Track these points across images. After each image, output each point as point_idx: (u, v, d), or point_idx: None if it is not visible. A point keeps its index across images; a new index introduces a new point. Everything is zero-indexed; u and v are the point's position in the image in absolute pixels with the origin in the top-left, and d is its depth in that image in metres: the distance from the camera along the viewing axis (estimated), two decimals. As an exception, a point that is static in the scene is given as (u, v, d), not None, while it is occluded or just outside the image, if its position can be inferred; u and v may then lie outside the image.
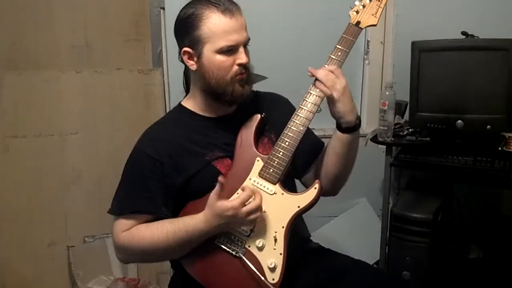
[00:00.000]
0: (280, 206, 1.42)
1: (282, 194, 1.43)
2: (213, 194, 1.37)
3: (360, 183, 2.61)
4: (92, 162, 2.58)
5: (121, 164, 1.53)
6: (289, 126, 1.44)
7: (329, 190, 1.57)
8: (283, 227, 1.41)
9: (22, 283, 2.54)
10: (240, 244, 1.42)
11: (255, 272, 1.39)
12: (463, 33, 2.35)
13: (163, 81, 2.63)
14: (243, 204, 1.36)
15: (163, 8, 2.54)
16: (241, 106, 1.55)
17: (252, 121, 1.54)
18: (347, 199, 2.84)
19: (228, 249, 1.43)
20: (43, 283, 2.57)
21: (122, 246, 1.48)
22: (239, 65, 1.45)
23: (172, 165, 1.47)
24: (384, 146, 2.44)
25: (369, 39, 2.78)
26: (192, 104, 1.57)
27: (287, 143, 1.43)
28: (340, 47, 1.44)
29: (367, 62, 2.82)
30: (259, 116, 1.54)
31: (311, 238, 1.72)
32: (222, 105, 1.53)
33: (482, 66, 2.24)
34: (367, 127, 2.79)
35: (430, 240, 2.28)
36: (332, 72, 1.42)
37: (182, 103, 1.60)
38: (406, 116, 2.53)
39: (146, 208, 1.48)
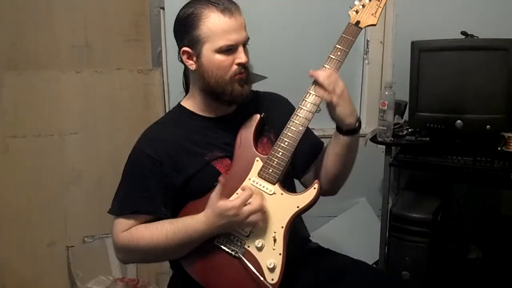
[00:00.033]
0: (279, 206, 1.42)
1: (282, 194, 1.43)
2: (214, 194, 1.37)
3: (360, 183, 2.61)
4: (92, 162, 2.58)
5: (121, 164, 1.53)
6: (288, 126, 1.44)
7: (329, 190, 1.57)
8: (282, 227, 1.41)
9: (22, 283, 2.54)
10: (239, 244, 1.42)
11: (254, 273, 1.39)
12: (463, 33, 2.35)
13: (163, 81, 2.63)
14: (244, 203, 1.36)
15: (163, 8, 2.54)
16: (240, 106, 1.55)
17: (251, 121, 1.53)
18: (347, 199, 2.84)
19: (227, 249, 1.43)
20: (42, 283, 2.57)
21: (121, 246, 1.48)
22: (239, 64, 1.45)
23: (171, 165, 1.47)
24: (384, 146, 2.44)
25: (368, 38, 2.78)
26: (191, 104, 1.57)
27: (286, 143, 1.43)
28: (339, 46, 1.44)
29: (366, 62, 2.81)
30: (258, 116, 1.54)
31: (310, 238, 1.72)
32: (221, 105, 1.53)
33: (482, 66, 2.24)
34: (367, 127, 2.79)
35: (430, 240, 2.28)
36: (330, 75, 1.41)
37: (182, 103, 1.60)
38: (406, 116, 2.53)
39: (145, 208, 1.48)
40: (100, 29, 2.52)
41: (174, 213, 1.49)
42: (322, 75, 1.41)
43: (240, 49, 1.45)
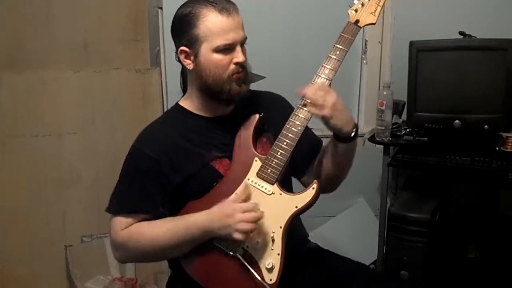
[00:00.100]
0: (278, 206, 1.42)
1: (280, 194, 1.43)
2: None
3: (358, 183, 2.60)
4: (90, 161, 2.58)
5: (119, 163, 1.53)
6: (287, 126, 1.44)
7: (327, 188, 1.56)
8: (281, 227, 1.41)
9: (20, 282, 2.53)
10: (238, 244, 1.42)
11: (253, 273, 1.39)
12: (461, 33, 2.35)
13: (161, 80, 2.63)
14: (243, 211, 1.37)
15: (161, 8, 2.54)
16: (238, 106, 1.55)
17: (250, 121, 1.53)
18: (345, 199, 2.84)
19: (226, 249, 1.43)
20: (40, 283, 2.56)
21: (120, 244, 1.48)
22: (236, 64, 1.45)
23: (169, 164, 1.47)
24: (382, 146, 2.44)
25: (367, 38, 2.78)
26: (189, 103, 1.57)
27: (285, 143, 1.43)
28: (338, 46, 1.43)
29: (365, 61, 2.81)
30: (257, 116, 1.54)
31: (309, 238, 1.72)
32: (219, 105, 1.53)
33: (480, 66, 2.24)
34: (365, 127, 2.78)
35: (428, 240, 2.28)
36: (320, 89, 1.39)
37: (180, 102, 1.60)
38: (404, 116, 2.53)
39: (144, 208, 1.48)
40: (98, 28, 2.52)
41: (174, 213, 1.49)
42: (309, 91, 1.40)
43: (238, 48, 1.45)
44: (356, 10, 1.46)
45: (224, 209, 1.39)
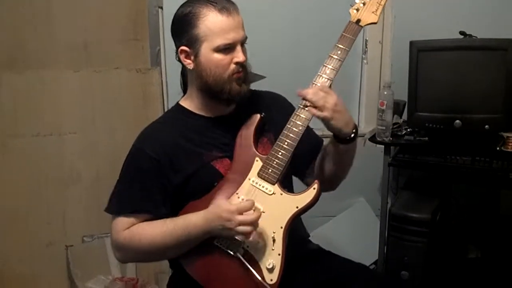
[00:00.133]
0: (278, 206, 1.42)
1: (281, 194, 1.43)
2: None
3: (358, 183, 2.61)
4: (91, 161, 2.57)
5: (120, 163, 1.53)
6: (288, 126, 1.43)
7: (327, 187, 1.56)
8: (281, 227, 1.41)
9: (21, 282, 2.53)
10: (238, 244, 1.42)
11: (253, 273, 1.39)
12: (461, 32, 2.35)
13: (161, 80, 2.63)
14: (240, 212, 1.36)
15: (161, 8, 2.54)
16: (239, 106, 1.55)
17: (251, 121, 1.53)
18: (346, 199, 2.84)
19: (226, 249, 1.42)
20: (41, 283, 2.56)
21: (122, 245, 1.48)
22: (236, 63, 1.45)
23: (170, 164, 1.47)
24: (382, 146, 2.44)
25: (367, 38, 2.78)
26: (189, 103, 1.57)
27: (286, 143, 1.43)
28: (340, 45, 1.43)
29: (365, 61, 2.81)
30: (258, 115, 1.54)
31: (310, 238, 1.72)
32: (219, 104, 1.53)
33: (480, 65, 2.24)
34: (365, 126, 2.78)
35: (428, 240, 2.28)
36: (320, 91, 1.39)
37: (180, 102, 1.60)
38: (404, 115, 2.53)
39: (145, 208, 1.48)
40: (99, 28, 2.51)
41: (174, 213, 1.48)
42: (310, 92, 1.39)
43: (238, 48, 1.45)
44: (357, 9, 1.45)
45: (222, 213, 1.37)
